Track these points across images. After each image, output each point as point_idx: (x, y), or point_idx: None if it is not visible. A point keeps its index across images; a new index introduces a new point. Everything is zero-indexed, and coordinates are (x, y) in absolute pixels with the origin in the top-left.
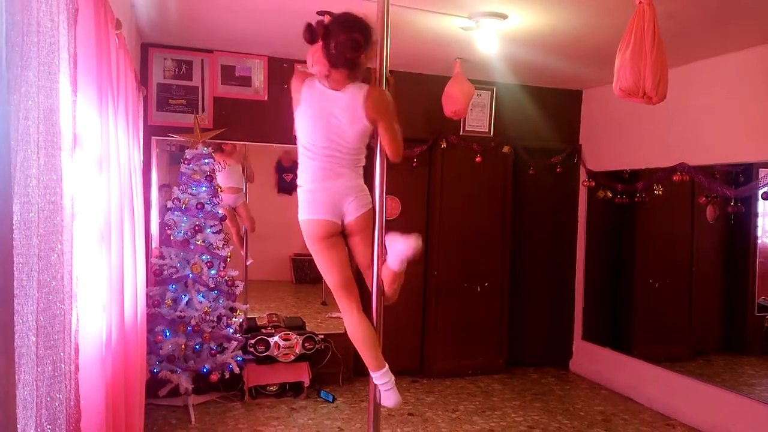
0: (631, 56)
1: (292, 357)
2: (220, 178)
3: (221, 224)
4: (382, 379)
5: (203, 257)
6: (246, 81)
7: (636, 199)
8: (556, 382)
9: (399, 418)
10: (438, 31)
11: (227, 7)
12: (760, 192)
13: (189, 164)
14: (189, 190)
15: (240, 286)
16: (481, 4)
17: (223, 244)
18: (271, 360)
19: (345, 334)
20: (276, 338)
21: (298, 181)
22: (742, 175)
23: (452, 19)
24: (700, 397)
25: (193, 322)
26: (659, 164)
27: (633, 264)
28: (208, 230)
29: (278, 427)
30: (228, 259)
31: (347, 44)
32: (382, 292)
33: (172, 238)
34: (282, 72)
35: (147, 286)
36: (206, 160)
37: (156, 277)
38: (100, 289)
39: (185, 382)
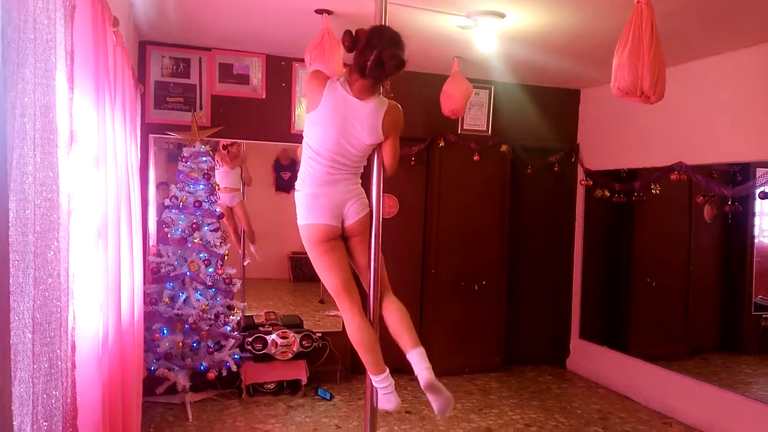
0: (629, 55)
1: (290, 355)
2: (218, 177)
3: (219, 222)
4: (382, 383)
5: (201, 255)
6: (244, 79)
7: (634, 199)
8: (554, 381)
9: (396, 416)
10: (436, 29)
11: (225, 5)
12: (758, 191)
13: (187, 162)
14: (186, 188)
15: (237, 284)
16: (480, 2)
17: (221, 242)
18: (268, 358)
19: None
20: (273, 336)
21: (297, 185)
22: (739, 175)
23: (450, 18)
24: (697, 395)
25: (190, 319)
26: (657, 163)
27: (630, 263)
28: (206, 228)
29: (275, 425)
30: (225, 257)
31: (393, 61)
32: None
33: (169, 236)
34: (280, 70)
35: (144, 284)
36: (204, 158)
37: (153, 275)
38: (97, 287)
39: (183, 380)
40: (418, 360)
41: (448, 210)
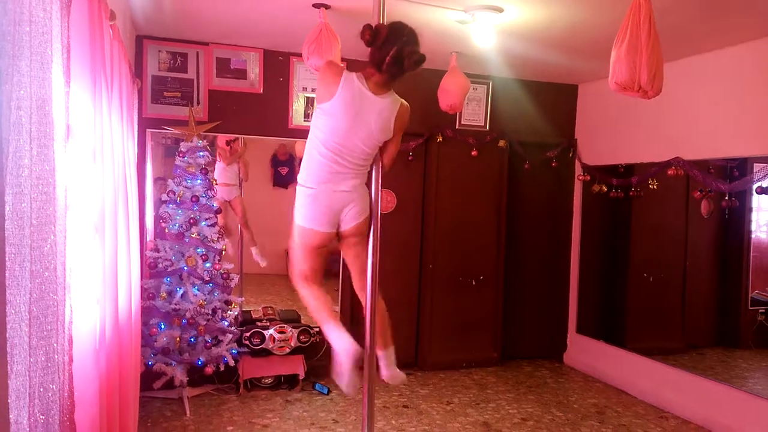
0: (627, 50)
1: (288, 350)
2: (216, 172)
3: (216, 217)
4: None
5: (198, 250)
6: (241, 74)
7: (631, 194)
8: (550, 375)
9: (394, 410)
10: (434, 24)
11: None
12: (755, 186)
13: (184, 157)
14: (184, 183)
15: (235, 279)
16: None
17: (218, 237)
18: (266, 353)
19: None
20: (271, 331)
21: (300, 179)
22: (736, 170)
23: (448, 13)
24: (693, 389)
25: (188, 314)
26: (654, 158)
27: (627, 258)
28: (203, 223)
29: (273, 420)
30: (223, 252)
31: (413, 58)
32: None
33: (167, 230)
34: (278, 65)
35: (142, 279)
36: (201, 153)
37: (151, 269)
38: (94, 281)
39: (180, 375)
40: (386, 357)
41: (445, 205)
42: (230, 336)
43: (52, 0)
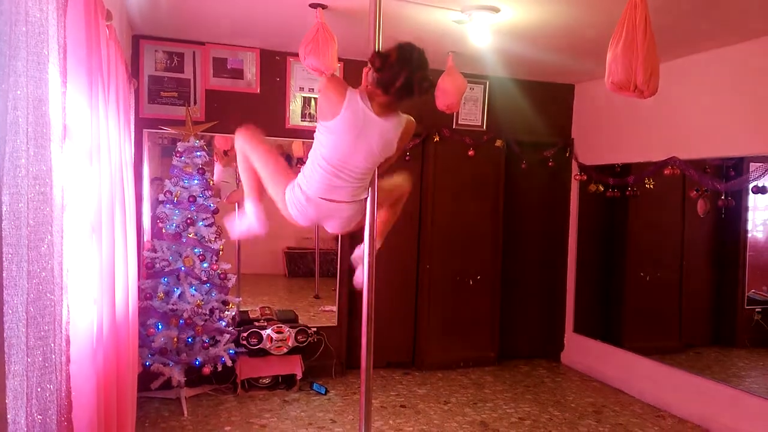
0: (623, 50)
1: (285, 350)
2: (215, 172)
3: (213, 217)
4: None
5: (195, 250)
6: (238, 73)
7: (627, 193)
8: (548, 375)
9: (391, 410)
10: (430, 24)
11: None
12: (751, 186)
13: (181, 157)
14: (181, 183)
15: (232, 279)
16: None
17: (216, 237)
18: (263, 353)
19: (338, 327)
20: (269, 331)
21: (300, 179)
22: (732, 169)
23: (445, 12)
24: (690, 389)
25: (185, 315)
26: (650, 158)
27: (624, 257)
28: (200, 223)
29: (271, 420)
30: (220, 252)
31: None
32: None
33: (164, 231)
34: (274, 64)
35: (139, 279)
36: (198, 153)
37: (148, 270)
38: (91, 282)
39: (178, 375)
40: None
41: (442, 205)
42: (228, 336)
43: (48, 0)
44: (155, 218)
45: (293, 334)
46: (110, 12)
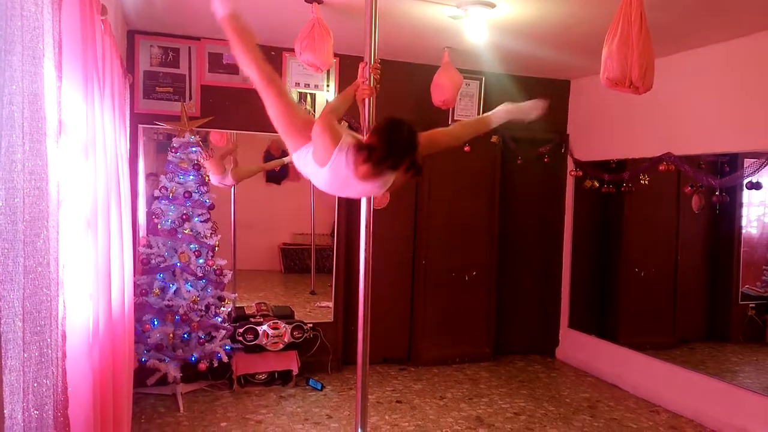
0: (618, 46)
1: (281, 346)
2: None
3: (209, 213)
4: None
5: (191, 246)
6: (234, 69)
7: (622, 189)
8: (543, 370)
9: (387, 405)
10: (426, 19)
11: None
12: (745, 182)
13: (176, 153)
14: (176, 179)
15: (228, 275)
16: None
17: (211, 233)
18: (259, 349)
19: (334, 322)
20: (265, 327)
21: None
22: (727, 165)
23: (441, 8)
24: (684, 383)
25: (181, 311)
26: (645, 154)
27: (619, 253)
28: (196, 219)
29: (267, 415)
30: (216, 248)
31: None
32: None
33: (159, 227)
34: (270, 60)
35: (134, 275)
36: (194, 149)
37: (143, 266)
38: (86, 277)
39: (173, 371)
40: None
41: (438, 201)
42: (223, 332)
43: None
44: (151, 214)
45: (289, 330)
46: (105, 7)
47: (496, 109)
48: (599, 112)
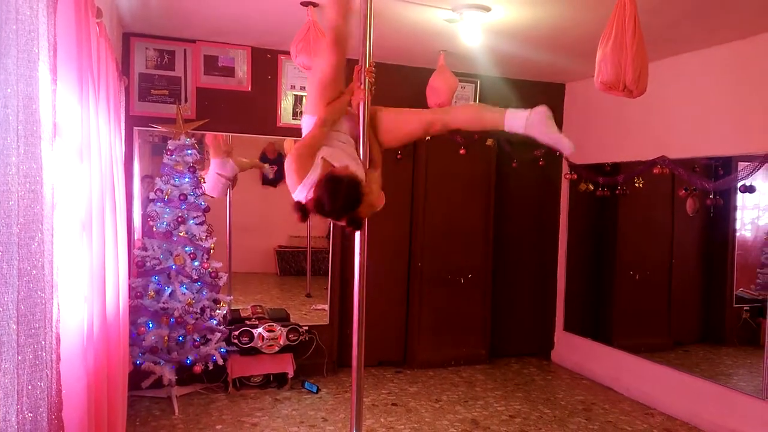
0: (612, 49)
1: (277, 348)
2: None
3: (204, 215)
4: None
5: (186, 249)
6: (229, 71)
7: (617, 192)
8: (538, 373)
9: (383, 408)
10: (421, 23)
11: None
12: (739, 185)
13: (172, 155)
14: (172, 181)
15: (224, 278)
16: None
17: (207, 236)
18: (255, 351)
19: (329, 325)
20: (260, 330)
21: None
22: (721, 168)
23: (436, 11)
24: (679, 386)
25: (176, 313)
26: (640, 157)
27: (614, 256)
28: (191, 222)
29: (262, 418)
30: (211, 251)
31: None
32: None
33: (154, 229)
34: (266, 62)
35: (129, 278)
36: (189, 151)
37: (139, 268)
38: (81, 280)
39: (169, 374)
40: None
41: (434, 204)
42: (219, 335)
43: None
44: (146, 216)
45: (285, 333)
46: (100, 9)
47: (527, 112)
48: (594, 116)
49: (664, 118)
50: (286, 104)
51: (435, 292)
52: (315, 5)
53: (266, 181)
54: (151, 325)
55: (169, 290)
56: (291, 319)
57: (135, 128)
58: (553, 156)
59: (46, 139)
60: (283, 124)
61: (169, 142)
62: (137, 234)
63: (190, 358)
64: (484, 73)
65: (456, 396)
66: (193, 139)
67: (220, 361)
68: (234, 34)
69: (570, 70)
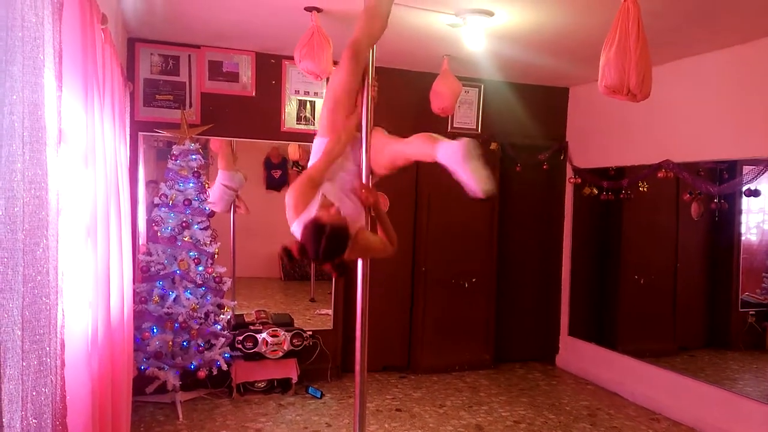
0: (616, 54)
1: (280, 353)
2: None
3: (209, 220)
4: None
5: (190, 254)
6: (234, 77)
7: (621, 196)
8: (543, 378)
9: (387, 413)
10: (425, 27)
11: (214, 2)
12: (744, 189)
13: (176, 160)
14: (176, 187)
15: (228, 283)
16: (468, 0)
17: (211, 241)
18: (259, 356)
19: (333, 330)
20: (264, 335)
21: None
22: (726, 172)
23: (439, 16)
24: (684, 391)
25: (180, 318)
26: (644, 161)
27: (618, 260)
28: (196, 227)
29: (266, 424)
30: (216, 256)
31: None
32: None
33: (159, 234)
34: (270, 67)
35: (134, 283)
36: (194, 156)
37: (143, 273)
38: (86, 285)
39: (173, 379)
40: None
41: (438, 208)
42: (223, 340)
43: (43, 5)
44: (150, 221)
45: (289, 338)
46: (105, 16)
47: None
48: (598, 120)
49: (668, 122)
50: (290, 109)
51: (439, 296)
52: (319, 10)
53: (270, 186)
54: (155, 330)
55: (174, 295)
56: (295, 324)
57: (140, 133)
58: (557, 160)
59: (51, 145)
60: (287, 129)
61: (174, 147)
62: (142, 239)
63: (194, 363)
64: (488, 77)
65: (460, 401)
66: (197, 144)
67: (224, 367)
68: (238, 39)
69: (573, 74)
